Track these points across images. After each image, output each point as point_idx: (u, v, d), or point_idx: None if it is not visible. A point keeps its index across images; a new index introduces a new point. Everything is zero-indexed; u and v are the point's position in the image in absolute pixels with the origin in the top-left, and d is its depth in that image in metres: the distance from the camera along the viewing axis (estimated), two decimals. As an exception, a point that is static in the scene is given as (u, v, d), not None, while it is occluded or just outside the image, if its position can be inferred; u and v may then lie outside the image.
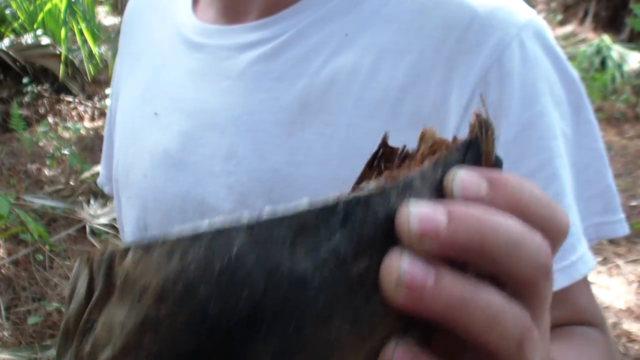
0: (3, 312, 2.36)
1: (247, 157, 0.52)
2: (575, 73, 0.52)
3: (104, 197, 3.17)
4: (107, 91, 4.20)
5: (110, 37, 4.11)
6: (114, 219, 2.98)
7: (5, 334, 2.27)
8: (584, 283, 0.54)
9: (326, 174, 0.49)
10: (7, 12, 4.61)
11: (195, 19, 0.59)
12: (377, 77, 0.49)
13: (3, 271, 2.56)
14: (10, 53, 4.09)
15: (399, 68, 0.49)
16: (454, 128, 0.47)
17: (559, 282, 0.49)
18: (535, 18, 0.50)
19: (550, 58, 0.50)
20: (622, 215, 0.54)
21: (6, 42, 4.21)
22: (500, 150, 0.38)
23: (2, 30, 4.52)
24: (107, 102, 4.11)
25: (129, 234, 0.62)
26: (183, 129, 0.56)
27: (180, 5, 0.61)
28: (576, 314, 0.53)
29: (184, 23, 0.60)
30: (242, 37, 0.55)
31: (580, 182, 0.51)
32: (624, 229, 0.54)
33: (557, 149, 0.48)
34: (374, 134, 0.46)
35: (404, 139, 0.43)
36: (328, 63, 0.51)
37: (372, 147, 0.44)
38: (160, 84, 0.60)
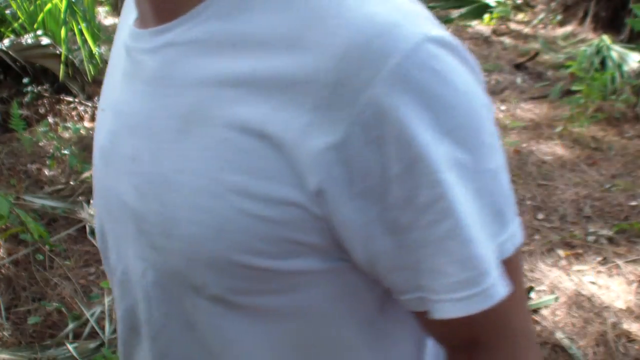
0: (3, 312, 2.36)
1: (145, 160, 0.55)
2: (473, 94, 0.49)
3: (104, 197, 3.17)
4: (107, 91, 4.20)
5: (111, 37, 4.11)
6: (114, 219, 2.98)
7: (5, 334, 2.27)
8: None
9: (205, 185, 0.50)
10: (7, 12, 4.61)
11: (132, 22, 0.60)
12: (254, 91, 0.49)
13: (3, 271, 2.56)
14: (10, 53, 4.09)
15: (275, 80, 0.48)
16: (312, 167, 0.47)
17: (460, 309, 0.51)
18: (424, 41, 0.46)
19: (441, 85, 0.46)
20: (515, 228, 0.53)
21: (6, 42, 4.21)
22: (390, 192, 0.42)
23: (2, 30, 4.52)
24: (107, 102, 4.10)
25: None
26: (112, 128, 0.60)
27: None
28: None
29: (128, 25, 0.61)
30: (148, 42, 0.56)
31: (484, 207, 0.50)
32: (512, 246, 0.53)
33: (448, 181, 0.47)
34: (245, 148, 0.48)
35: (265, 163, 0.47)
36: (214, 72, 0.51)
37: (246, 161, 0.47)
38: (108, 83, 0.65)
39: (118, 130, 0.59)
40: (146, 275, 0.59)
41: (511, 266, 0.53)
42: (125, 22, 0.63)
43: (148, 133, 0.55)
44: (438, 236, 0.48)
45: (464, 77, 0.48)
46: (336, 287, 0.55)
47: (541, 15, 7.03)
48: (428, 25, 0.47)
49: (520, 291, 0.56)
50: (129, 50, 0.59)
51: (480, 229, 0.49)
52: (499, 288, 0.51)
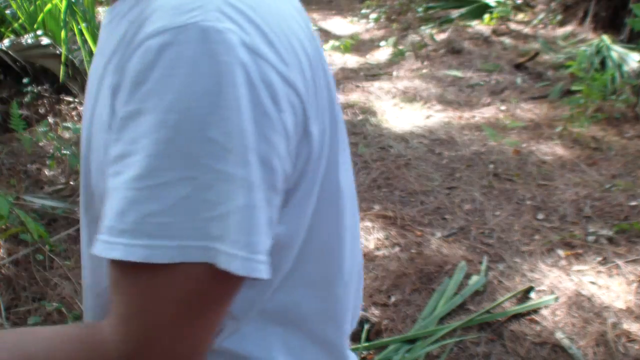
0: (3, 312, 2.36)
1: (85, 116, 0.69)
2: (205, 88, 0.52)
3: (104, 197, 3.17)
4: (107, 91, 4.20)
5: (110, 37, 4.12)
6: (114, 219, 2.98)
7: (5, 334, 2.27)
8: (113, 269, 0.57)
9: (93, 132, 0.64)
10: (7, 12, 4.61)
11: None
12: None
13: (3, 271, 2.56)
14: (10, 53, 4.09)
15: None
16: (109, 106, 0.59)
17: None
18: (194, 26, 0.52)
19: (187, 69, 0.52)
20: (241, 253, 0.53)
21: (6, 42, 4.21)
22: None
23: (2, 30, 4.52)
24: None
25: None
26: (88, 92, 0.72)
27: None
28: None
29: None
30: (105, 19, 0.70)
31: (198, 199, 0.52)
32: (237, 266, 0.53)
33: (143, 146, 0.52)
34: (105, 108, 0.60)
35: (109, 113, 0.59)
36: (114, 45, 0.62)
37: (104, 117, 0.60)
38: None
39: (88, 89, 0.71)
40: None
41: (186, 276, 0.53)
42: None
43: (88, 91, 0.69)
44: (114, 185, 0.54)
45: (200, 70, 0.52)
46: None
47: (541, 15, 7.03)
48: (209, 15, 0.53)
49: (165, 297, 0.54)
50: (101, 25, 0.73)
51: (166, 204, 0.52)
52: (121, 248, 0.52)
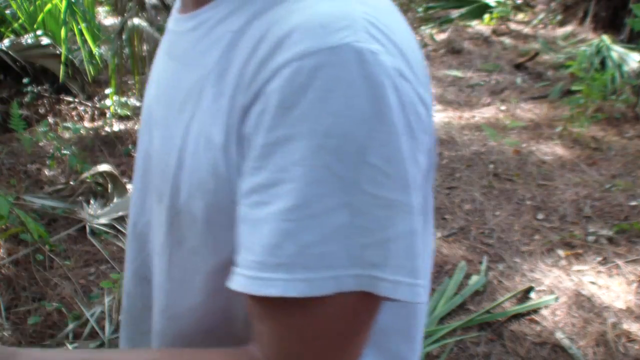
0: (3, 312, 2.36)
1: (162, 125, 0.65)
2: (365, 112, 0.49)
3: (103, 197, 3.17)
4: (107, 91, 4.20)
5: (110, 37, 4.12)
6: (114, 219, 2.98)
7: (5, 334, 2.27)
8: (263, 307, 0.53)
9: (191, 149, 0.59)
10: (7, 12, 4.61)
11: (177, 5, 0.70)
12: (234, 78, 0.55)
13: (3, 271, 2.56)
14: (10, 53, 4.09)
15: (238, 72, 0.55)
16: (235, 131, 0.54)
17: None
18: (348, 47, 0.49)
19: (345, 91, 0.49)
20: (407, 279, 0.51)
21: (6, 42, 4.21)
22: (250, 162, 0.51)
23: (2, 30, 4.52)
24: (107, 102, 4.11)
25: None
26: (149, 97, 0.71)
27: None
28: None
29: (175, 11, 0.71)
30: (181, 25, 0.65)
31: (355, 226, 0.49)
32: (404, 292, 0.51)
33: (297, 174, 0.49)
34: (216, 126, 0.55)
35: (236, 133, 0.53)
36: (216, 56, 0.58)
37: (215, 136, 0.55)
38: (154, 63, 0.75)
39: (153, 98, 0.69)
40: (155, 224, 0.68)
41: (354, 305, 0.51)
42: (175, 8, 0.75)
43: (166, 102, 0.65)
44: (259, 217, 0.51)
45: (358, 92, 0.49)
46: None
47: (541, 15, 7.03)
48: (359, 35, 0.50)
49: (331, 330, 0.52)
50: (168, 32, 0.69)
51: (323, 233, 0.49)
52: (280, 284, 0.49)
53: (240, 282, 0.52)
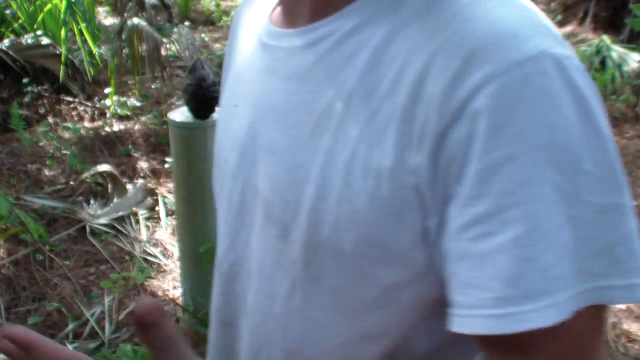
0: (3, 312, 2.36)
1: (282, 152, 0.58)
2: (570, 119, 0.47)
3: (103, 197, 3.17)
4: (107, 91, 4.20)
5: (110, 37, 4.12)
6: (114, 219, 2.98)
7: (5, 334, 2.27)
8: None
9: (336, 179, 0.53)
10: (7, 12, 4.61)
11: (267, 21, 0.64)
12: (393, 94, 0.51)
13: (3, 271, 2.56)
14: (10, 53, 4.09)
15: (406, 89, 0.50)
16: (426, 155, 0.49)
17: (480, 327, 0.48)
18: (545, 55, 0.47)
19: (553, 101, 0.47)
20: (632, 281, 0.48)
21: (6, 42, 4.21)
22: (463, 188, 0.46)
23: (2, 30, 4.52)
24: (107, 102, 4.11)
25: (219, 211, 0.71)
26: (249, 121, 0.63)
27: (265, 7, 0.68)
28: None
29: (262, 24, 0.66)
30: (292, 41, 0.59)
31: (579, 238, 0.47)
32: (628, 296, 0.48)
33: (524, 196, 0.46)
34: (383, 149, 0.50)
35: (401, 159, 0.49)
36: (356, 73, 0.53)
37: (376, 161, 0.51)
38: (241, 80, 0.68)
39: (257, 122, 0.62)
40: (257, 264, 0.62)
41: (598, 317, 0.50)
42: (253, 19, 0.69)
43: (285, 127, 0.58)
44: (490, 248, 0.47)
45: (564, 99, 0.47)
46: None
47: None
48: (549, 40, 0.48)
49: (592, 346, 0.51)
50: (267, 48, 0.62)
51: (556, 253, 0.46)
52: (532, 317, 0.46)
53: (481, 323, 0.47)
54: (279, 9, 0.63)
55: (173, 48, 4.14)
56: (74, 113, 4.17)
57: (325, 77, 0.55)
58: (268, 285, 0.61)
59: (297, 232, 0.56)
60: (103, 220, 2.97)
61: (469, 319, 0.48)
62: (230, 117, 0.68)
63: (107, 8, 6.49)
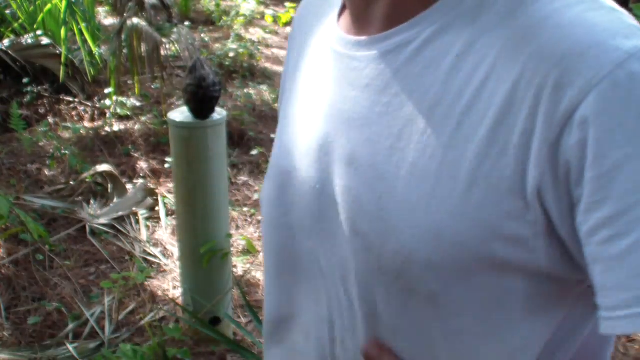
0: (3, 312, 2.36)
1: (362, 164, 0.57)
2: None
3: (103, 197, 3.17)
4: (107, 91, 4.20)
5: (110, 37, 4.12)
6: (114, 219, 2.98)
7: (5, 334, 2.27)
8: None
9: (425, 189, 0.53)
10: (7, 12, 4.61)
11: (337, 28, 0.63)
12: (479, 101, 0.51)
13: (3, 271, 2.56)
14: (10, 53, 4.09)
15: (498, 94, 0.50)
16: (534, 165, 0.49)
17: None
18: (637, 54, 0.47)
19: None
20: None
21: (6, 42, 4.21)
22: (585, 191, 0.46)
23: (2, 30, 4.52)
24: (107, 102, 4.11)
25: (263, 206, 0.70)
26: (322, 130, 0.62)
27: (332, 12, 0.66)
28: None
29: (330, 30, 0.64)
30: (368, 49, 0.58)
31: None
32: None
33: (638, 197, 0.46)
34: (470, 157, 0.50)
35: (494, 167, 0.50)
36: (438, 81, 0.53)
37: (467, 169, 0.51)
38: (312, 88, 0.66)
39: (332, 133, 0.61)
40: (347, 278, 0.60)
41: None
42: (317, 25, 0.68)
43: (365, 138, 0.57)
44: (621, 250, 0.47)
45: None
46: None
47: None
48: None
49: None
50: (340, 57, 0.61)
51: None
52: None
53: (625, 324, 0.48)
54: (347, 14, 0.62)
55: (173, 48, 4.13)
56: (74, 113, 4.17)
57: (406, 87, 0.55)
58: (360, 296, 0.60)
59: (382, 245, 0.56)
60: (103, 220, 2.97)
61: (613, 321, 0.48)
62: (298, 126, 0.66)
63: (107, 8, 6.49)
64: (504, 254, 0.51)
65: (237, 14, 7.52)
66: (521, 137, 0.49)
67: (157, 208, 3.14)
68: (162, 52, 3.75)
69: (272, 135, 4.01)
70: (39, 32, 4.34)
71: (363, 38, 0.58)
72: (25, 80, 4.11)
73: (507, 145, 0.49)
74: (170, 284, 2.62)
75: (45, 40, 4.24)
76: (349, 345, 0.64)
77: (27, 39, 4.26)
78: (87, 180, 3.22)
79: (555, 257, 0.51)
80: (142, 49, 3.67)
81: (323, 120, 0.62)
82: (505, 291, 0.54)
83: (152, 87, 4.43)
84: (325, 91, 0.63)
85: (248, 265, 2.78)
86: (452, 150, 0.51)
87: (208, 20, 7.39)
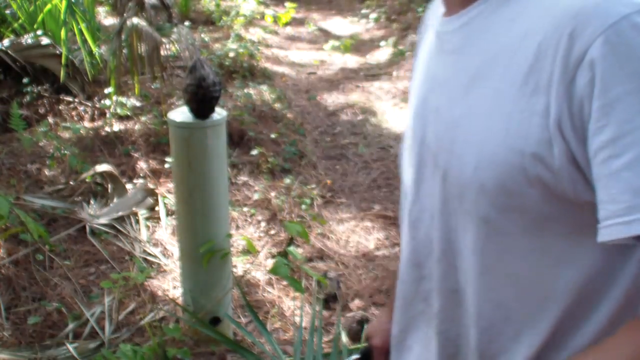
0: (3, 312, 2.36)
1: (442, 111, 0.74)
2: None
3: (103, 197, 3.17)
4: (107, 91, 4.20)
5: (110, 37, 4.12)
6: (114, 219, 2.98)
7: (5, 334, 2.27)
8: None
9: (486, 125, 0.67)
10: (7, 12, 4.61)
11: (441, 15, 0.80)
12: (519, 55, 0.65)
13: (3, 271, 2.56)
14: (10, 53, 4.09)
15: (531, 47, 0.64)
16: (554, 102, 0.61)
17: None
18: (637, 12, 0.58)
19: None
20: None
21: (6, 42, 4.21)
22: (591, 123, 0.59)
23: (2, 30, 4.52)
24: (107, 102, 4.11)
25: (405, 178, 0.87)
26: (423, 91, 0.81)
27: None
28: None
29: (437, 18, 0.82)
30: (452, 24, 0.76)
31: None
32: None
33: (636, 122, 0.57)
34: (512, 96, 0.65)
35: (528, 103, 0.63)
36: (496, 42, 0.69)
37: (510, 106, 0.65)
38: (421, 62, 0.86)
39: (428, 92, 0.79)
40: (433, 205, 0.78)
41: None
42: (434, 16, 0.85)
43: (446, 90, 0.75)
44: (615, 168, 0.58)
45: None
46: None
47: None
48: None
49: None
50: (438, 34, 0.79)
51: None
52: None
53: (614, 230, 0.58)
54: (443, 2, 0.80)
55: (173, 48, 4.13)
56: (74, 113, 4.17)
57: (474, 47, 0.72)
58: (442, 223, 0.76)
59: (451, 173, 0.72)
60: (103, 220, 2.97)
61: (605, 229, 0.59)
62: (413, 93, 0.86)
63: (107, 8, 6.49)
64: (538, 178, 0.63)
65: (237, 14, 7.52)
66: (546, 79, 0.62)
67: (157, 208, 3.14)
68: (162, 52, 3.75)
69: (272, 135, 4.01)
70: (39, 32, 4.34)
71: (450, 17, 0.76)
72: (25, 80, 4.11)
73: (537, 85, 0.63)
74: (170, 284, 2.62)
75: (45, 40, 4.23)
76: (433, 275, 0.81)
77: (27, 39, 4.25)
78: (87, 180, 3.22)
79: (578, 184, 0.62)
80: (142, 49, 3.67)
81: (423, 83, 0.81)
82: (546, 216, 0.66)
83: (152, 87, 4.43)
84: (427, 61, 0.82)
85: (248, 265, 2.78)
86: (501, 92, 0.66)
87: (208, 20, 7.39)
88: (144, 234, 2.94)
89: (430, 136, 0.76)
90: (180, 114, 2.04)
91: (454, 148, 0.71)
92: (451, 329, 0.81)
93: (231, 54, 5.46)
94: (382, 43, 7.10)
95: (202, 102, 1.97)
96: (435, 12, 0.86)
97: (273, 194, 3.36)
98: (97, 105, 4.17)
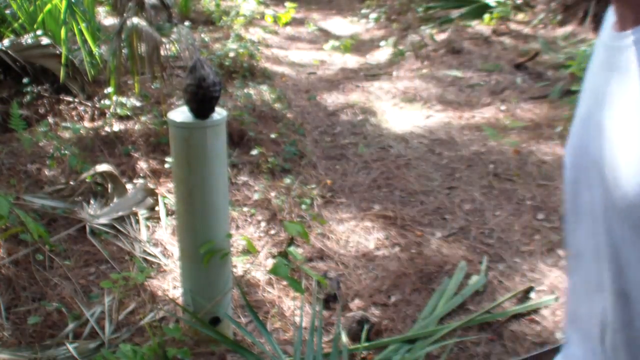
0: (3, 312, 2.36)
1: (608, 131, 0.75)
2: None
3: (103, 197, 3.17)
4: (107, 91, 4.20)
5: (110, 37, 4.12)
6: (114, 219, 2.98)
7: (5, 334, 2.27)
8: None
9: (636, 152, 0.70)
10: (7, 12, 4.61)
11: (610, 28, 0.81)
12: None
13: (3, 271, 2.56)
14: (10, 53, 4.09)
15: None
16: None
17: None
18: None
19: None
20: None
21: (6, 42, 4.21)
22: None
23: (2, 30, 4.53)
24: (107, 102, 4.11)
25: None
26: (588, 105, 0.83)
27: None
28: None
29: (607, 30, 0.83)
30: (622, 41, 0.76)
31: None
32: None
33: None
34: None
35: None
36: None
37: None
38: (590, 73, 0.87)
39: (592, 106, 0.81)
40: (595, 211, 0.80)
41: None
42: (606, 25, 0.85)
43: (612, 110, 0.75)
44: None
45: None
46: None
47: (541, 15, 7.02)
48: None
49: None
50: (606, 47, 0.81)
51: None
52: None
53: None
54: (618, 14, 0.80)
55: (173, 48, 4.13)
56: (73, 113, 4.17)
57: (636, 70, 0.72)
58: (608, 229, 0.78)
59: (617, 190, 0.73)
60: (103, 220, 2.97)
61: None
62: (580, 103, 0.88)
63: (107, 8, 6.49)
64: None
65: (237, 14, 7.52)
66: None
67: (157, 208, 3.14)
68: (162, 52, 3.75)
69: (272, 135, 4.01)
70: (39, 32, 4.34)
71: (621, 33, 0.76)
72: (25, 80, 4.11)
73: None
74: (170, 284, 2.62)
75: (45, 40, 4.23)
76: (605, 285, 0.81)
77: (27, 39, 4.25)
78: (87, 180, 3.22)
79: None
80: (142, 49, 3.67)
81: (589, 96, 0.84)
82: None
83: (152, 87, 4.43)
84: (594, 74, 0.84)
85: (248, 265, 2.78)
86: None
87: (208, 20, 7.39)
88: (144, 234, 2.94)
89: (592, 152, 0.79)
90: (180, 114, 2.04)
91: (616, 166, 0.73)
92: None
93: (231, 54, 5.46)
94: (382, 43, 7.10)
95: (202, 102, 1.97)
96: (607, 21, 0.87)
97: (273, 194, 3.36)
98: (97, 105, 4.17)
